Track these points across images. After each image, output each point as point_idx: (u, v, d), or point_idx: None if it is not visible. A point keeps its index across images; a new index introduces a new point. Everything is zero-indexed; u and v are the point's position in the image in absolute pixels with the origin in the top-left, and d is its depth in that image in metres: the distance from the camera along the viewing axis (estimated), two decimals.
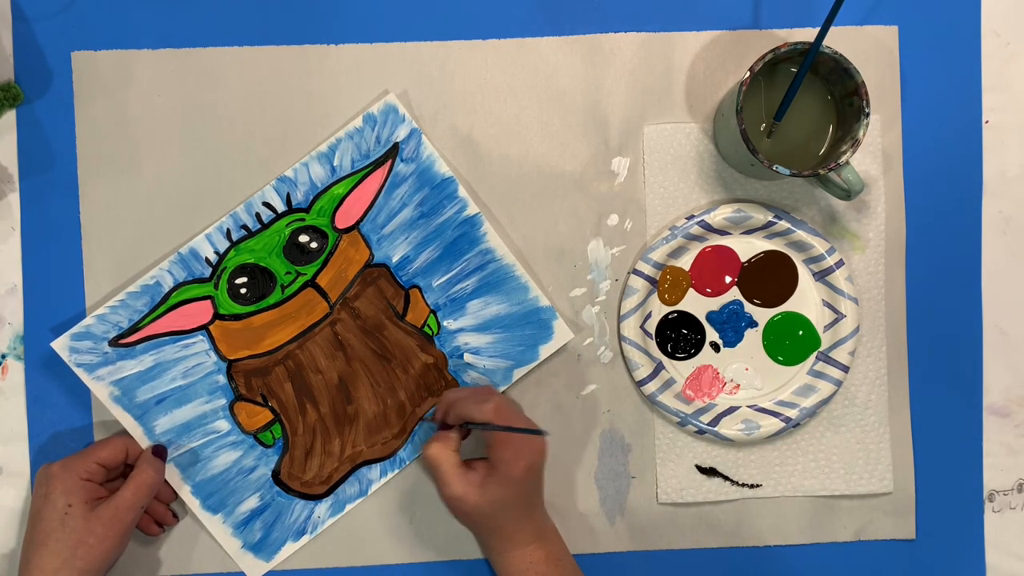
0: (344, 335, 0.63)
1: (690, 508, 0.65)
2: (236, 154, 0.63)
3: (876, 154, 0.64)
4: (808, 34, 0.64)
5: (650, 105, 0.64)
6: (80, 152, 0.63)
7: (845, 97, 0.59)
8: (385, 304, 0.63)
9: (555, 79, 0.64)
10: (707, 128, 0.64)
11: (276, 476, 0.63)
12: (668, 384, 0.64)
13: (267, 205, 0.62)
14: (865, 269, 0.65)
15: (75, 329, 0.61)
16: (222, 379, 0.63)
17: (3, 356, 0.64)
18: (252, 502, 0.63)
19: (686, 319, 0.64)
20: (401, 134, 0.63)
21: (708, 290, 0.64)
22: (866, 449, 0.65)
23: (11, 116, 0.63)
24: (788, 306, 0.64)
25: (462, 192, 0.63)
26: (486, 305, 0.64)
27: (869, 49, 0.64)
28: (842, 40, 0.62)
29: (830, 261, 0.63)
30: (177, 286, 0.62)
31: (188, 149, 0.63)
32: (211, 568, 0.64)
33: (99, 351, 0.62)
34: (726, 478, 0.65)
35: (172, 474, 0.63)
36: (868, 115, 0.57)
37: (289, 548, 0.64)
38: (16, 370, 0.64)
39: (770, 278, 0.64)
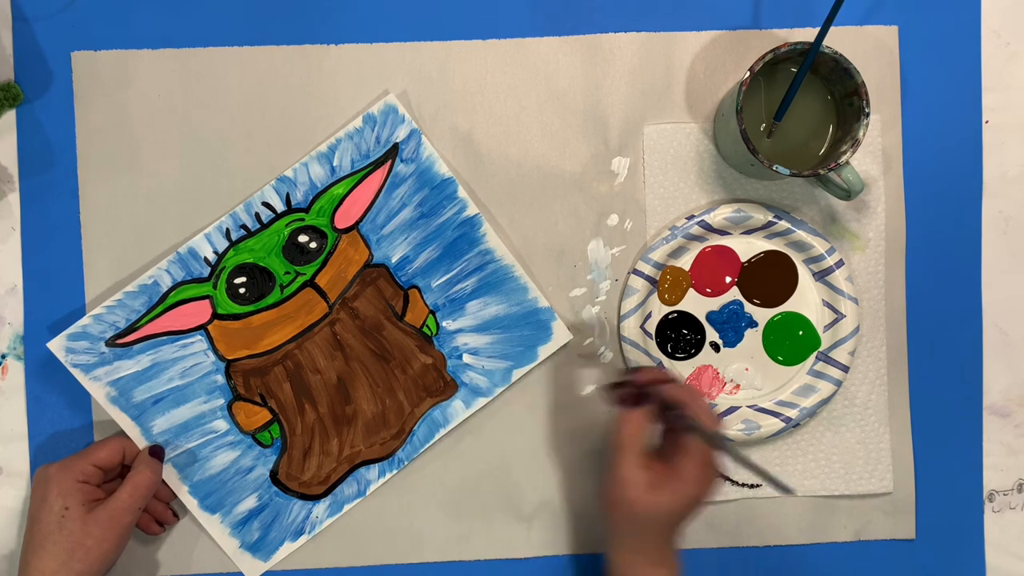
0: (343, 335, 0.63)
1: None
2: (236, 154, 0.63)
3: (876, 154, 0.64)
4: (808, 34, 0.64)
5: (650, 105, 0.64)
6: (80, 152, 0.63)
7: (845, 97, 0.59)
8: (384, 304, 0.63)
9: (555, 79, 0.64)
10: (707, 128, 0.64)
11: (274, 476, 0.63)
12: None
13: (266, 205, 0.62)
14: (865, 269, 0.65)
15: (71, 329, 0.61)
16: (220, 379, 0.63)
17: (3, 356, 0.64)
18: (250, 502, 0.63)
19: (686, 319, 0.64)
20: (401, 134, 0.63)
21: (708, 290, 0.64)
22: (866, 449, 0.65)
23: (11, 116, 0.63)
24: (788, 306, 0.64)
25: (462, 193, 0.63)
26: (485, 306, 0.64)
27: (869, 49, 0.64)
28: (842, 40, 0.62)
29: (830, 261, 0.63)
30: (175, 286, 0.62)
31: (188, 149, 0.63)
32: (211, 569, 0.64)
33: (96, 351, 0.62)
34: (726, 478, 0.65)
35: (170, 474, 0.62)
36: (868, 115, 0.57)
37: (287, 548, 0.63)
38: (16, 370, 0.64)
39: (770, 278, 0.64)
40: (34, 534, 0.56)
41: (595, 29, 0.64)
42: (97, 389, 0.62)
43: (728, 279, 0.64)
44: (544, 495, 0.65)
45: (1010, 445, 0.66)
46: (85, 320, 0.61)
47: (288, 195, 0.62)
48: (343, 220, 0.63)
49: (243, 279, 0.62)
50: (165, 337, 0.62)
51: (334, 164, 0.63)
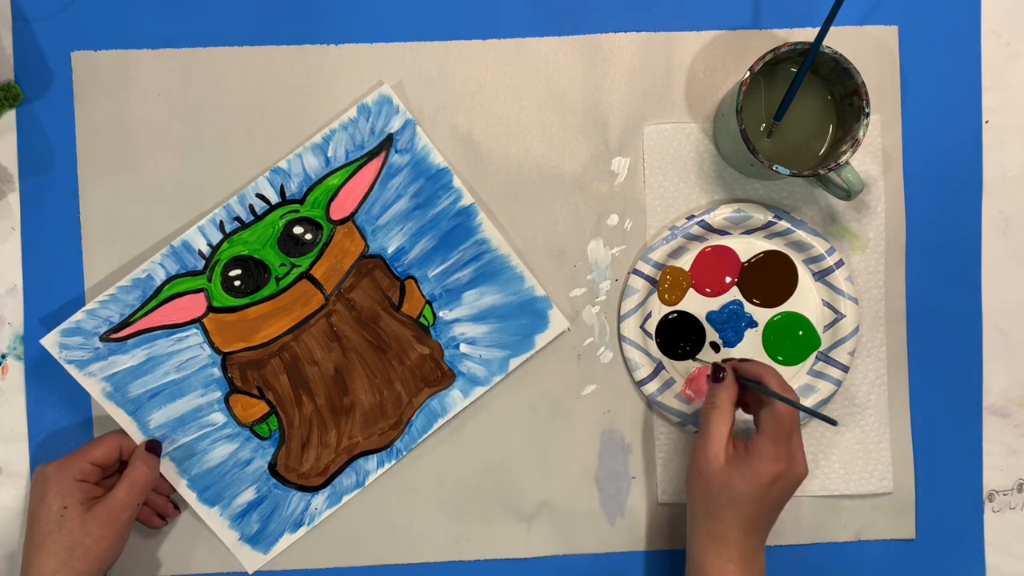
0: (340, 326, 0.63)
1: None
2: (236, 154, 0.63)
3: (876, 154, 0.64)
4: (808, 34, 0.64)
5: (650, 105, 0.64)
6: (80, 152, 0.63)
7: (845, 97, 0.59)
8: (380, 295, 0.63)
9: (555, 79, 0.64)
10: (707, 128, 0.64)
11: (273, 468, 0.63)
12: (668, 384, 0.64)
13: (261, 196, 0.62)
14: (865, 269, 0.65)
15: (65, 325, 0.61)
16: (217, 372, 0.63)
17: (3, 356, 0.64)
18: (249, 494, 0.63)
19: (686, 319, 0.64)
20: (395, 125, 0.63)
21: (708, 290, 0.64)
22: (866, 449, 0.65)
23: (11, 116, 0.63)
24: (788, 306, 0.64)
25: (457, 183, 0.63)
26: (481, 295, 0.64)
27: (869, 49, 0.64)
28: (842, 40, 0.62)
29: (830, 261, 0.63)
30: (169, 279, 0.62)
31: (188, 149, 0.63)
32: (211, 568, 0.64)
33: (90, 347, 0.62)
34: None
35: (168, 468, 0.63)
36: (868, 115, 0.57)
37: (287, 540, 0.64)
38: (16, 370, 0.64)
39: (770, 278, 0.64)
40: (34, 533, 0.56)
41: (595, 29, 0.64)
42: (92, 385, 0.62)
43: (728, 279, 0.64)
44: (544, 495, 0.65)
45: (1010, 445, 0.66)
46: (78, 315, 0.61)
47: (282, 186, 0.62)
48: (338, 211, 0.63)
49: (238, 271, 0.62)
50: (160, 331, 0.62)
51: (328, 155, 0.62)
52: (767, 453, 0.54)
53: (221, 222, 0.62)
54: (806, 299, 0.64)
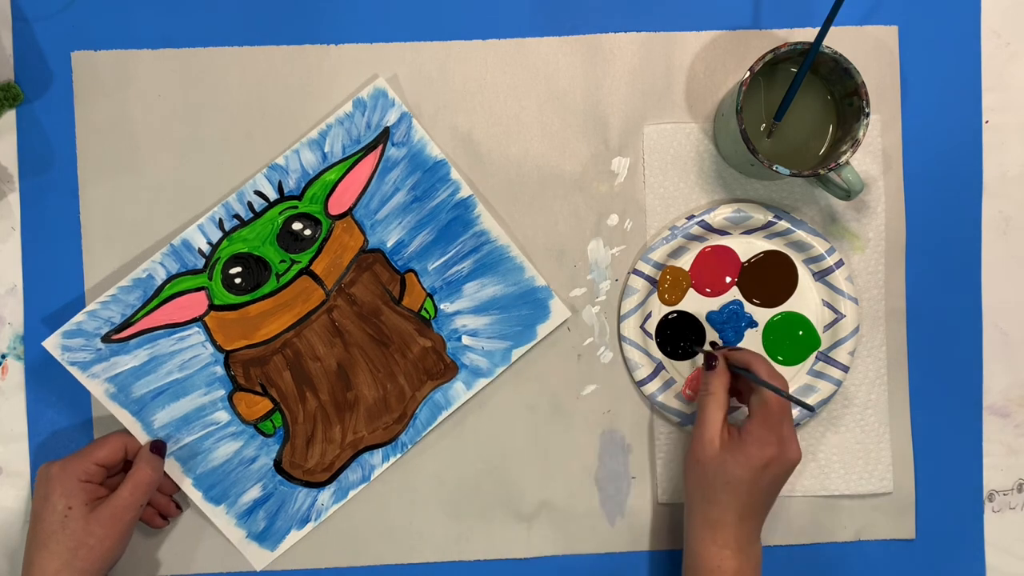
0: (341, 322, 0.63)
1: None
2: (236, 154, 0.63)
3: (876, 154, 0.64)
4: (808, 34, 0.64)
5: (650, 105, 0.64)
6: (80, 152, 0.63)
7: (845, 97, 0.59)
8: (381, 289, 0.63)
9: (555, 79, 0.64)
10: (707, 128, 0.64)
11: (278, 465, 0.63)
12: (668, 384, 0.64)
13: (259, 194, 0.62)
14: (865, 269, 0.65)
15: (66, 327, 0.61)
16: (220, 370, 0.63)
17: (3, 356, 0.64)
18: (255, 492, 0.63)
19: (686, 319, 0.64)
20: (391, 118, 0.63)
21: (708, 290, 0.64)
22: (866, 449, 0.65)
23: (11, 116, 0.63)
24: (788, 306, 0.64)
25: (454, 175, 0.63)
26: (482, 287, 0.64)
27: (869, 49, 0.64)
28: (842, 40, 0.62)
29: (830, 261, 0.63)
30: (170, 278, 0.62)
31: (188, 149, 0.63)
32: (213, 567, 0.64)
33: (92, 348, 0.62)
34: None
35: (173, 467, 0.63)
36: (868, 115, 0.57)
37: (294, 536, 0.64)
38: (16, 370, 0.64)
39: (770, 278, 0.64)
40: (37, 533, 0.56)
41: (595, 29, 0.64)
42: (96, 386, 0.62)
43: (728, 279, 0.64)
44: (544, 495, 0.65)
45: (1010, 445, 0.66)
46: (80, 317, 0.61)
47: (280, 183, 0.62)
48: (337, 206, 0.63)
49: (238, 269, 0.62)
50: (162, 330, 0.62)
51: (325, 150, 0.62)
52: (759, 438, 0.55)
53: (220, 220, 0.62)
54: (806, 299, 0.64)
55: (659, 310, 0.64)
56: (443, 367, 0.64)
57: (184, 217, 0.63)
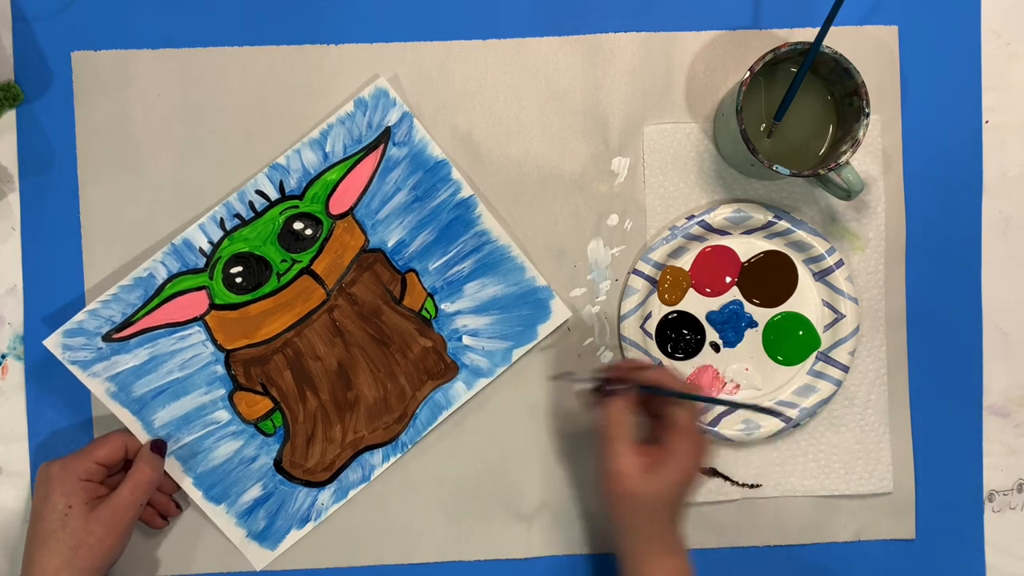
0: (342, 321, 0.63)
1: (690, 508, 0.65)
2: (236, 154, 0.63)
3: (876, 154, 0.64)
4: (808, 34, 0.64)
5: (650, 105, 0.64)
6: (80, 152, 0.63)
7: (845, 97, 0.59)
8: (382, 289, 0.63)
9: (555, 79, 0.64)
10: (707, 128, 0.64)
11: (278, 464, 0.63)
12: None
13: (260, 193, 0.62)
14: (865, 269, 0.65)
15: (67, 326, 0.61)
16: (220, 369, 0.63)
17: (3, 356, 0.64)
18: (255, 491, 0.63)
19: (686, 319, 0.64)
20: (392, 118, 0.63)
21: (708, 290, 0.64)
22: (866, 449, 0.65)
23: (11, 116, 0.63)
24: (788, 306, 0.64)
25: (455, 175, 0.63)
26: (483, 287, 0.64)
27: (869, 49, 0.64)
28: (842, 40, 0.62)
29: (830, 261, 0.63)
30: (171, 277, 0.62)
31: (188, 149, 0.63)
32: (213, 567, 0.64)
33: (93, 347, 0.62)
34: (726, 478, 0.65)
35: (173, 467, 0.63)
36: (868, 115, 0.57)
37: (294, 536, 0.64)
38: (16, 370, 0.64)
39: (770, 278, 0.64)
40: (37, 531, 0.56)
41: (595, 29, 0.64)
42: (96, 385, 0.62)
43: (728, 279, 0.64)
44: (544, 495, 0.65)
45: (1010, 445, 0.66)
46: (80, 316, 0.61)
47: (281, 182, 0.62)
48: (338, 206, 0.63)
49: (239, 268, 0.62)
50: (163, 329, 0.62)
51: (326, 150, 0.62)
52: (684, 448, 0.54)
53: (221, 219, 0.62)
54: (806, 299, 0.64)
55: (659, 310, 0.64)
56: (443, 367, 0.64)
57: (184, 217, 0.63)
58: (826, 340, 0.64)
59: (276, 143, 0.63)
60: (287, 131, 0.63)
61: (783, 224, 0.63)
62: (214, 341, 0.63)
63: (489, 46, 0.64)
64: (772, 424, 0.63)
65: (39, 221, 0.63)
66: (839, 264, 0.63)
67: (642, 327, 0.64)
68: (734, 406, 0.54)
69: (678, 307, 0.64)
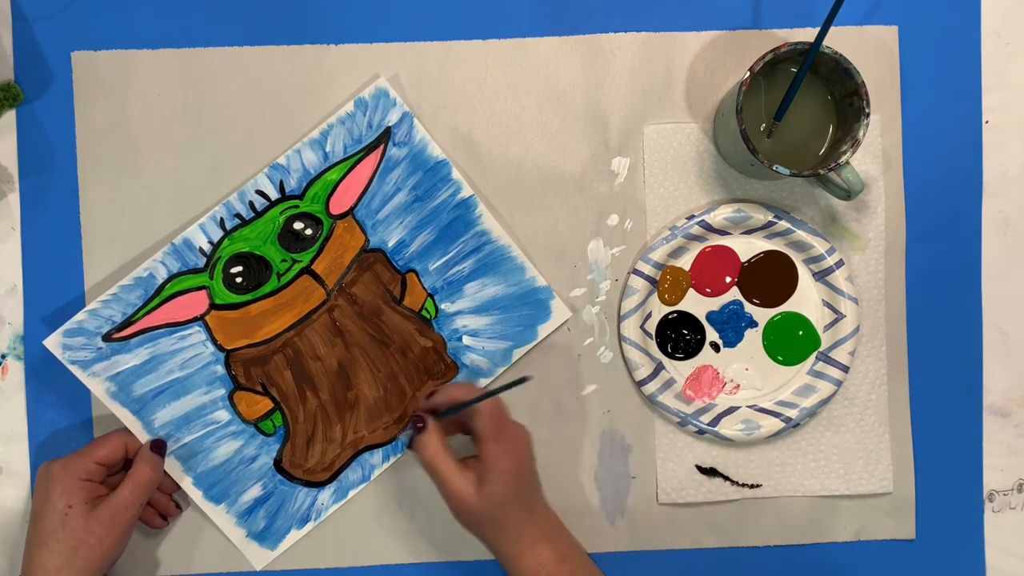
0: (342, 321, 0.63)
1: (690, 508, 0.65)
2: (236, 155, 0.63)
3: (876, 154, 0.64)
4: (808, 34, 0.64)
5: (650, 105, 0.64)
6: (80, 152, 0.63)
7: (845, 97, 0.59)
8: (382, 289, 0.63)
9: (555, 79, 0.64)
10: (707, 128, 0.64)
11: (278, 464, 0.63)
12: (668, 384, 0.64)
13: (260, 193, 0.62)
14: (865, 269, 0.65)
15: (67, 325, 0.61)
16: (220, 369, 0.63)
17: (3, 356, 0.64)
18: (255, 491, 0.63)
19: (686, 319, 0.64)
20: (393, 118, 0.63)
21: (708, 290, 0.64)
22: (866, 449, 0.65)
23: (11, 116, 0.63)
24: (788, 306, 0.64)
25: (456, 175, 0.63)
26: (483, 287, 0.64)
27: (869, 49, 0.64)
28: (842, 40, 0.62)
29: (830, 261, 0.63)
30: (171, 277, 0.62)
31: (188, 149, 0.63)
32: (213, 567, 0.64)
33: (93, 347, 0.62)
34: (726, 478, 0.65)
35: (173, 466, 0.63)
36: (868, 115, 0.57)
37: (294, 536, 0.64)
38: (16, 370, 0.64)
39: (770, 278, 0.64)
40: (37, 531, 0.56)
41: (595, 29, 0.64)
42: (96, 385, 0.62)
43: (728, 279, 0.64)
44: (544, 495, 0.64)
45: (1010, 445, 0.66)
46: (80, 316, 0.61)
47: (281, 182, 0.62)
48: (338, 206, 0.63)
49: (239, 268, 0.62)
50: (163, 329, 0.62)
51: (327, 150, 0.62)
52: (500, 448, 0.56)
53: (222, 219, 0.62)
54: (806, 299, 0.64)
55: (659, 310, 0.64)
56: (444, 367, 0.64)
57: (184, 217, 0.63)
58: (826, 340, 0.64)
59: (276, 143, 0.63)
60: (287, 131, 0.63)
61: (783, 224, 0.63)
62: (214, 341, 0.63)
63: (489, 46, 0.64)
64: (772, 424, 0.63)
65: (39, 221, 0.63)
66: (839, 264, 0.63)
67: (642, 327, 0.64)
68: (494, 393, 0.55)
69: (678, 307, 0.64)
